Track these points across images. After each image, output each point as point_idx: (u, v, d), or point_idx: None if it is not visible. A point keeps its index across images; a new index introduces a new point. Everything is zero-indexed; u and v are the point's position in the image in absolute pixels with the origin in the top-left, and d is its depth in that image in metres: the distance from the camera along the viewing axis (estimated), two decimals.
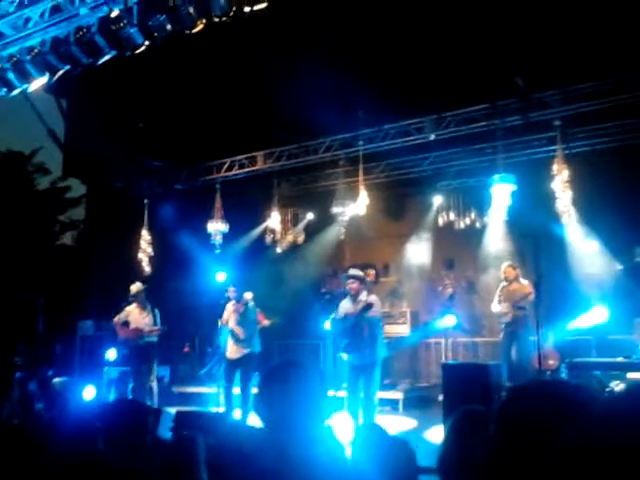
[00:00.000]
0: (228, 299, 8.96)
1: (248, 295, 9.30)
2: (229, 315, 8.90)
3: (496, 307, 9.69)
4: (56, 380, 9.77)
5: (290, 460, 1.65)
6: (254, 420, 7.47)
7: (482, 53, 8.02)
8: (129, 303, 9.64)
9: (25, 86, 6.89)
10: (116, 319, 9.61)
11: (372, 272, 9.30)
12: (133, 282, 9.81)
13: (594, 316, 9.32)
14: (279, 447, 1.70)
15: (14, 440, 2.46)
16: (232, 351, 8.79)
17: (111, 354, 10.78)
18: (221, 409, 8.50)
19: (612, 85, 8.39)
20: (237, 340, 8.76)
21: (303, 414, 1.76)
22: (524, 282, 9.49)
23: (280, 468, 1.63)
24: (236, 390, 8.79)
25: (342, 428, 6.56)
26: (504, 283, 9.67)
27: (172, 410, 6.23)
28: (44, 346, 11.63)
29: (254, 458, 1.74)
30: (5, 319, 10.88)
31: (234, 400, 8.77)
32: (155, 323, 9.52)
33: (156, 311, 9.59)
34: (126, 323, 9.55)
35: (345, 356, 7.57)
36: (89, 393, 10.10)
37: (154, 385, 9.48)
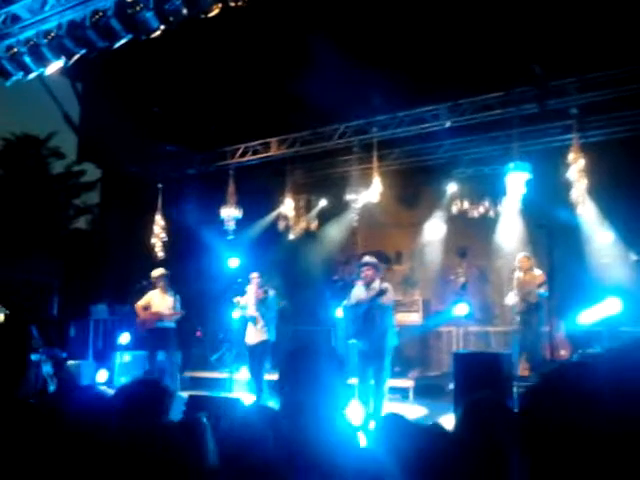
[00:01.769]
0: (248, 282, 9.01)
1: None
2: (249, 299, 8.95)
3: (510, 299, 9.67)
4: (70, 362, 9.89)
5: (304, 446, 1.66)
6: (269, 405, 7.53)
7: (499, 40, 7.94)
8: (146, 288, 9.73)
9: (41, 70, 6.91)
10: (139, 303, 9.70)
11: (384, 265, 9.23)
12: (147, 266, 9.90)
13: (607, 307, 9.27)
14: (293, 432, 1.71)
15: (32, 418, 2.49)
16: (249, 337, 8.87)
17: (124, 338, 10.88)
18: (237, 395, 8.57)
19: (630, 74, 8.28)
20: (255, 326, 8.82)
21: (319, 400, 1.76)
22: (537, 272, 9.45)
23: (293, 453, 1.64)
24: (239, 376, 8.86)
25: (352, 415, 6.59)
26: (519, 273, 9.64)
27: (184, 394, 6.28)
28: (58, 329, 11.74)
29: (268, 443, 1.74)
30: (21, 302, 11.00)
31: (247, 386, 8.85)
32: (175, 308, 9.60)
33: (177, 297, 9.67)
34: (147, 308, 9.64)
35: (355, 343, 7.59)
36: (102, 376, 10.22)
37: (174, 370, 9.58)
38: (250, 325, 8.91)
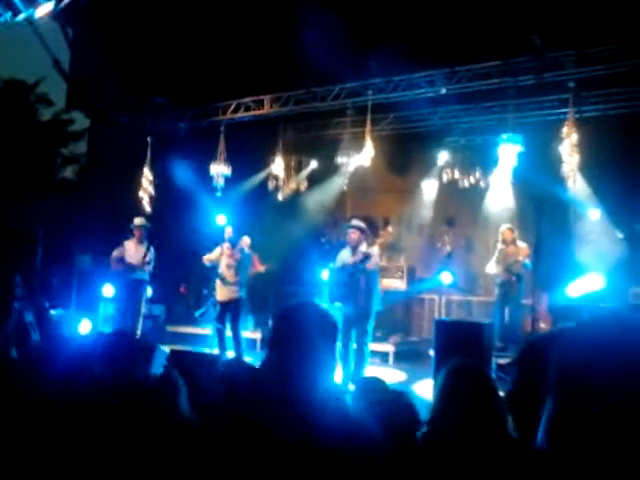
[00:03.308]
0: (225, 241, 9.00)
1: (246, 241, 9.33)
2: (221, 257, 8.96)
3: (491, 269, 9.71)
4: (53, 312, 9.87)
5: (292, 402, 1.65)
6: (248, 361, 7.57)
7: (499, 8, 7.82)
8: (127, 238, 9.67)
9: (30, 11, 6.71)
10: (114, 253, 9.65)
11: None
12: (131, 217, 9.82)
13: (590, 283, 9.35)
14: (282, 389, 1.70)
15: (11, 371, 2.47)
16: (221, 293, 8.89)
17: (108, 290, 10.85)
18: (215, 351, 8.61)
19: (629, 50, 8.19)
20: (226, 284, 8.84)
21: (312, 359, 1.75)
22: (522, 245, 9.49)
23: (282, 408, 1.63)
24: (228, 333, 8.90)
25: (336, 377, 6.65)
26: (501, 245, 9.67)
27: (166, 349, 6.29)
28: (42, 278, 11.67)
29: (254, 398, 1.74)
30: (4, 250, 10.90)
31: (228, 342, 8.89)
32: (149, 260, 9.55)
33: (152, 249, 9.62)
34: (122, 260, 9.59)
35: (338, 306, 7.62)
36: (85, 326, 10.22)
37: (140, 322, 9.58)
38: (220, 283, 8.92)
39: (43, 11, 6.67)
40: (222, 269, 8.92)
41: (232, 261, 8.87)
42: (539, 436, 0.91)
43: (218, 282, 8.96)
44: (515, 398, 1.70)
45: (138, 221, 9.71)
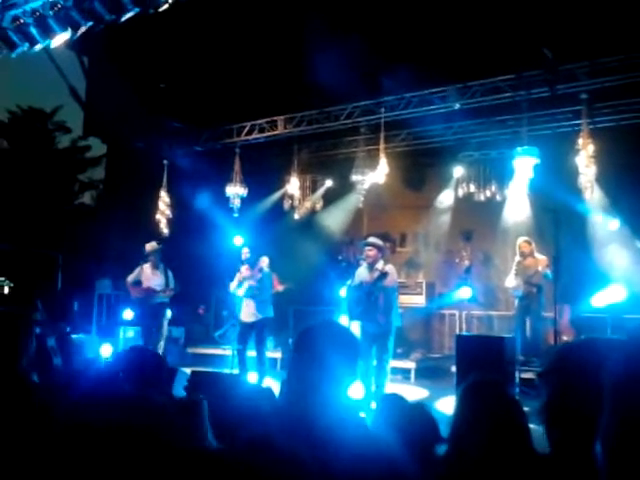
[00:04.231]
0: (243, 262, 9.01)
1: (264, 261, 9.34)
2: (242, 278, 8.95)
3: (510, 282, 9.63)
4: (74, 337, 9.93)
5: (309, 423, 1.65)
6: (270, 383, 7.56)
7: (510, 22, 7.84)
8: (144, 262, 9.68)
9: (47, 42, 6.84)
10: (129, 278, 9.66)
11: (388, 244, 9.14)
12: (149, 241, 9.85)
13: (612, 294, 9.24)
14: (303, 408, 1.70)
15: (35, 396, 2.48)
16: (246, 314, 8.87)
17: (128, 313, 10.92)
18: (235, 371, 8.60)
19: None
20: (255, 301, 8.82)
21: (333, 379, 1.75)
22: (540, 257, 9.41)
23: (298, 430, 1.63)
24: (251, 353, 8.89)
25: (354, 395, 6.60)
26: (519, 258, 9.60)
27: (187, 370, 6.30)
28: (62, 303, 11.78)
29: (272, 420, 1.73)
30: (25, 276, 11.03)
31: (249, 363, 8.88)
32: (167, 284, 9.53)
33: (169, 272, 9.61)
34: (138, 282, 9.58)
35: (357, 323, 7.58)
36: (106, 351, 10.27)
37: (161, 346, 9.55)
38: (245, 303, 8.90)
39: (59, 40, 6.79)
40: (247, 290, 8.90)
41: (254, 281, 8.87)
42: (597, 451, 0.89)
43: (245, 302, 8.93)
44: (550, 410, 1.67)
45: (151, 246, 9.68)
